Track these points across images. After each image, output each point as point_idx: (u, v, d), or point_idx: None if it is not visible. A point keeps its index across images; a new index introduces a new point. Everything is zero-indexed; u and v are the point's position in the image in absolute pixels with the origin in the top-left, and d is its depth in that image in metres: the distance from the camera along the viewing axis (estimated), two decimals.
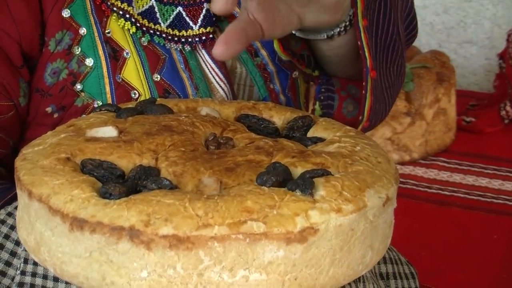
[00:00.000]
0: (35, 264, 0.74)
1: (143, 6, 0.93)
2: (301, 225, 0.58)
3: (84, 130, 0.74)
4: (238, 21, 0.75)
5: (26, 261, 0.75)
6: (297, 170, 0.66)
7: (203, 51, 0.95)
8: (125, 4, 0.92)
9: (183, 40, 0.94)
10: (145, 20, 0.93)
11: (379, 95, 0.96)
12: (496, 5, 2.78)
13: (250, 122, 0.82)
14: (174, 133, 0.72)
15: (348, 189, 0.63)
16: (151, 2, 0.93)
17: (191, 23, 0.94)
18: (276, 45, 0.96)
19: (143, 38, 0.93)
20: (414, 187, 2.12)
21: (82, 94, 0.90)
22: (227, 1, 0.68)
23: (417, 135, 2.21)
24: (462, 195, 2.07)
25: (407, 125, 2.20)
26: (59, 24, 0.89)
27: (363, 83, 0.92)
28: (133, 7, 0.92)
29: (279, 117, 0.83)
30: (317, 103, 1.01)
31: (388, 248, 0.83)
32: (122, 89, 0.91)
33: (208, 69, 0.95)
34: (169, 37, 0.94)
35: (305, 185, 0.62)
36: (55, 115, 0.91)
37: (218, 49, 0.73)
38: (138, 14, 0.92)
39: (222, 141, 0.73)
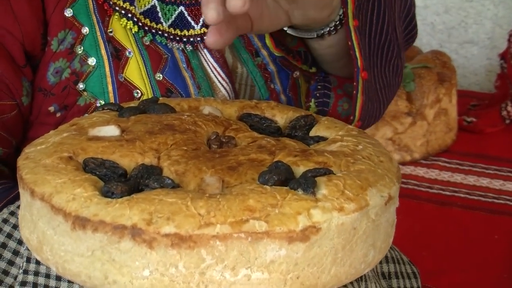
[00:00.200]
0: (38, 263, 0.74)
1: (145, 6, 0.93)
2: (303, 224, 0.58)
3: (87, 129, 0.74)
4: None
5: (28, 260, 0.75)
6: (299, 169, 0.67)
7: (205, 50, 0.95)
8: (127, 3, 0.92)
9: (185, 39, 0.94)
10: (147, 19, 0.93)
11: (372, 95, 0.96)
12: (497, 5, 2.78)
13: (253, 121, 0.82)
14: (176, 132, 0.72)
15: (350, 188, 0.63)
16: (153, 1, 0.93)
17: (192, 23, 0.95)
18: (268, 41, 0.96)
19: (145, 38, 0.93)
20: (415, 187, 2.11)
21: (85, 93, 0.90)
22: (218, 12, 0.69)
23: (418, 135, 2.21)
24: (463, 195, 2.07)
25: (408, 125, 2.19)
26: (61, 23, 0.89)
27: (354, 83, 0.92)
28: (135, 6, 0.92)
29: (282, 116, 0.83)
30: (312, 100, 1.01)
31: (390, 248, 0.83)
32: (125, 89, 0.91)
33: (210, 69, 0.95)
34: (171, 37, 0.94)
35: (307, 184, 0.62)
36: (58, 114, 0.91)
37: (211, 38, 0.74)
38: (140, 14, 0.93)
39: (224, 140, 0.74)
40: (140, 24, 0.92)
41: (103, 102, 0.90)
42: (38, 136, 0.75)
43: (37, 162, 0.67)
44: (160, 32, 0.93)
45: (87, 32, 0.90)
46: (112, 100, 0.91)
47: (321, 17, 0.89)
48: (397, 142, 2.19)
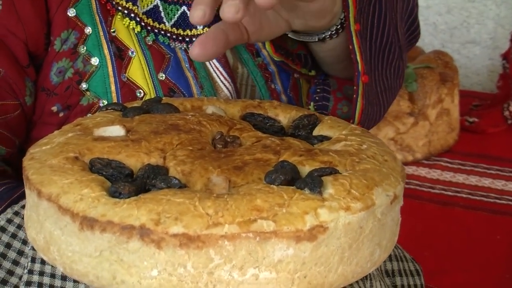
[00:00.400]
0: (43, 263, 0.74)
1: (147, 6, 0.93)
2: (310, 223, 0.58)
3: (91, 129, 0.74)
4: (221, 23, 0.76)
5: (33, 260, 0.75)
6: (305, 169, 0.67)
7: None
8: (130, 3, 0.92)
9: (187, 39, 0.94)
10: (150, 19, 0.93)
11: (372, 98, 0.96)
12: (500, 5, 2.78)
13: (256, 120, 0.82)
14: (181, 132, 0.72)
15: (356, 187, 0.63)
16: (155, 1, 0.93)
17: None
18: (268, 46, 0.96)
19: (148, 38, 0.93)
20: (417, 187, 2.12)
21: (88, 93, 0.90)
22: (205, 14, 0.68)
23: (420, 135, 2.21)
24: (465, 196, 2.07)
25: (410, 125, 2.20)
26: (64, 23, 0.89)
27: (354, 87, 0.92)
28: (138, 6, 0.92)
29: (285, 116, 0.83)
30: (312, 103, 1.01)
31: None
32: (127, 88, 0.91)
33: (213, 68, 0.95)
34: (174, 37, 0.94)
35: (313, 183, 0.62)
36: (61, 114, 0.91)
37: (194, 51, 0.73)
38: (143, 14, 0.93)
39: (229, 139, 0.73)
40: (143, 24, 0.92)
41: (106, 102, 0.90)
42: (41, 136, 0.75)
43: (43, 162, 0.67)
44: (162, 32, 0.93)
45: (90, 32, 0.90)
46: (115, 100, 0.91)
47: (321, 25, 0.89)
48: (399, 142, 2.19)
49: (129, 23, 0.92)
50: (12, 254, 0.78)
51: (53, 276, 0.74)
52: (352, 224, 0.61)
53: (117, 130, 0.72)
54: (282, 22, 0.85)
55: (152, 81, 0.92)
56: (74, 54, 0.90)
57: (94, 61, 0.91)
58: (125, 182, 0.62)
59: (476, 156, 2.26)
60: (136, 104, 0.83)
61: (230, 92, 0.96)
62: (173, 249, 0.57)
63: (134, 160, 0.67)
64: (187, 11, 0.94)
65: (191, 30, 0.95)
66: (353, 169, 0.67)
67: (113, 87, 0.91)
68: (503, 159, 2.23)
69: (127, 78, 0.91)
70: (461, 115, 2.36)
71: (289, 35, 0.94)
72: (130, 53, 0.92)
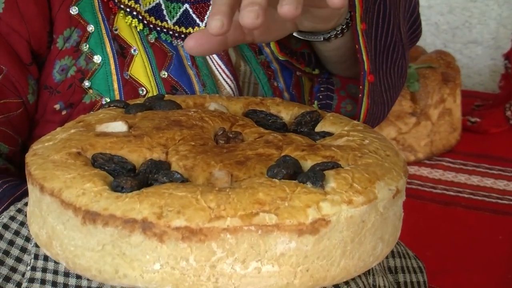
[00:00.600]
0: (46, 259, 0.74)
1: (150, 4, 0.93)
2: (312, 217, 0.58)
3: (94, 125, 0.74)
4: None
5: (36, 256, 0.75)
6: (307, 163, 0.67)
7: None
8: (132, 1, 0.92)
9: None
10: (152, 17, 0.93)
11: (377, 97, 0.96)
12: (502, 5, 2.78)
13: (258, 117, 0.82)
14: (184, 128, 0.73)
15: (358, 181, 0.63)
16: None
17: (197, 20, 0.95)
18: (273, 46, 0.96)
19: (150, 35, 0.93)
20: (419, 187, 2.12)
21: (90, 91, 0.91)
22: (223, 24, 0.68)
23: (422, 135, 2.21)
24: (467, 196, 2.07)
25: (412, 125, 2.20)
26: (67, 21, 0.90)
27: (360, 87, 0.92)
28: (140, 4, 0.92)
29: (287, 113, 0.83)
30: (315, 102, 1.01)
31: (396, 243, 0.84)
32: (130, 86, 0.91)
33: (215, 66, 0.95)
34: (176, 34, 0.94)
35: (316, 177, 0.62)
36: (63, 112, 0.91)
37: (189, 43, 0.73)
38: (145, 11, 0.93)
39: (231, 135, 0.74)
40: (145, 22, 0.93)
41: (109, 100, 0.91)
42: (44, 134, 0.75)
43: (46, 158, 0.67)
44: (165, 30, 0.94)
45: (93, 30, 0.91)
46: (117, 98, 0.91)
47: (329, 26, 0.89)
48: (401, 142, 2.19)
49: (132, 21, 0.92)
50: (15, 251, 0.78)
51: (55, 272, 0.74)
52: (354, 217, 0.61)
53: (119, 126, 0.72)
54: (290, 25, 0.85)
55: (155, 79, 0.92)
56: (77, 52, 0.90)
57: (97, 59, 0.91)
58: (127, 177, 0.62)
59: (478, 156, 2.26)
60: (139, 101, 0.83)
61: (232, 90, 0.96)
62: (175, 242, 0.57)
63: (137, 155, 0.67)
64: (189, 9, 0.94)
65: (193, 28, 0.95)
66: (355, 164, 0.67)
67: (115, 85, 0.91)
68: (505, 159, 2.23)
69: (130, 76, 0.91)
70: (463, 115, 2.36)
71: (294, 34, 0.94)
72: (133, 51, 0.92)
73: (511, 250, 1.83)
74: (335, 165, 0.66)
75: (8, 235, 0.79)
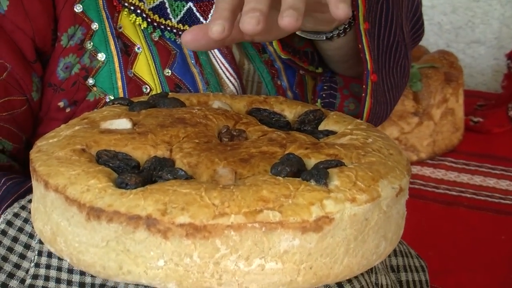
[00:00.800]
0: (49, 256, 0.75)
1: (154, 2, 0.93)
2: (316, 214, 0.58)
3: (98, 122, 0.74)
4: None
5: (40, 253, 0.75)
6: (311, 161, 0.67)
7: None
8: None
9: None
10: (156, 15, 0.93)
11: (380, 97, 0.96)
12: (505, 5, 2.78)
13: (262, 115, 0.82)
14: (188, 125, 0.73)
15: (362, 179, 0.63)
16: None
17: (201, 19, 0.95)
18: (275, 44, 0.96)
19: (154, 34, 0.93)
20: (422, 187, 2.11)
21: (94, 88, 0.91)
22: (224, 28, 0.68)
23: (424, 135, 2.21)
24: (469, 196, 2.07)
25: (414, 125, 2.19)
26: (71, 19, 0.90)
27: (363, 86, 0.93)
28: (144, 2, 0.93)
29: (290, 111, 0.83)
30: (319, 100, 1.02)
31: (399, 242, 0.84)
32: (134, 84, 0.91)
33: (219, 64, 0.96)
34: (180, 33, 0.94)
35: (319, 175, 0.62)
36: (67, 110, 0.91)
37: (186, 37, 0.73)
38: (149, 10, 0.93)
39: (235, 133, 0.74)
40: (149, 20, 0.93)
41: (113, 97, 0.91)
42: (48, 132, 0.75)
43: (50, 154, 0.67)
44: (169, 28, 0.94)
45: (97, 28, 0.91)
46: (121, 96, 0.91)
47: (330, 28, 0.89)
48: (403, 142, 2.19)
49: (136, 19, 0.92)
50: (19, 248, 0.78)
51: (59, 269, 0.74)
52: (358, 215, 0.61)
53: (123, 123, 0.73)
54: None
55: (158, 77, 0.92)
56: (81, 50, 0.91)
57: (101, 56, 0.91)
58: (131, 174, 0.62)
59: (480, 156, 2.26)
60: (143, 99, 0.83)
61: (236, 88, 0.96)
62: (179, 239, 0.57)
63: (141, 153, 0.68)
64: (193, 7, 0.95)
65: None
66: (358, 162, 0.67)
67: (119, 83, 0.91)
68: (508, 159, 2.23)
69: (134, 74, 0.92)
70: (465, 115, 2.36)
71: (296, 33, 0.94)
72: (137, 49, 0.92)
73: None
74: (338, 163, 0.66)
75: (12, 232, 0.79)
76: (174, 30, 0.94)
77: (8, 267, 0.77)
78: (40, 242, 0.75)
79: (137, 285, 0.66)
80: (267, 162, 0.66)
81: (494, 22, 2.81)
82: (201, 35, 0.74)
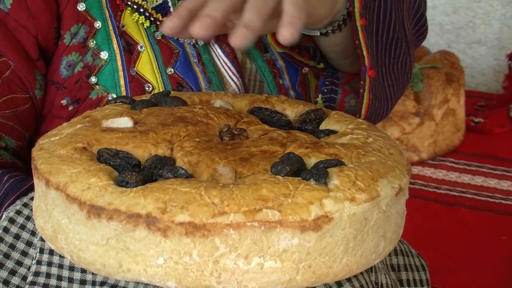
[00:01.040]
0: (51, 253, 0.75)
1: (157, 1, 0.94)
2: (315, 213, 0.59)
3: (100, 121, 0.75)
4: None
5: (41, 250, 0.75)
6: (311, 161, 0.67)
7: (216, 45, 0.96)
8: None
9: None
10: (159, 14, 0.93)
11: (379, 93, 0.96)
12: (506, 5, 2.78)
13: (263, 114, 0.82)
14: (189, 124, 0.73)
15: (361, 179, 0.63)
16: None
17: None
18: (269, 38, 0.96)
19: (156, 32, 0.94)
20: (423, 187, 2.11)
21: (97, 87, 0.91)
22: (175, 26, 0.70)
23: (425, 136, 2.21)
24: (470, 196, 2.06)
25: (416, 126, 2.19)
26: (74, 17, 0.90)
27: (362, 82, 0.93)
28: (147, 1, 0.93)
29: (292, 110, 0.84)
30: (320, 95, 1.02)
31: (399, 241, 0.84)
32: (136, 82, 0.92)
33: (221, 63, 0.96)
34: None
35: (319, 174, 0.62)
36: (70, 108, 0.92)
37: (166, 24, 0.73)
38: (152, 8, 0.93)
39: (236, 132, 0.74)
40: (152, 18, 0.93)
41: (115, 96, 0.91)
42: (50, 129, 0.76)
43: (52, 152, 0.68)
44: None
45: (100, 26, 0.91)
46: (123, 94, 0.91)
47: (321, 26, 0.89)
48: (404, 142, 2.19)
49: (138, 18, 0.93)
50: (20, 245, 0.78)
51: (61, 266, 0.75)
52: (357, 215, 0.61)
53: (125, 122, 0.73)
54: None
55: (161, 75, 0.93)
56: (84, 48, 0.91)
57: (104, 55, 0.91)
58: (132, 172, 0.62)
59: (481, 157, 2.25)
60: (145, 97, 0.84)
61: (238, 87, 0.96)
62: (179, 237, 0.57)
63: (142, 151, 0.68)
64: None
65: None
66: (358, 161, 0.67)
67: (122, 81, 0.91)
68: (509, 160, 2.23)
69: (136, 72, 0.92)
70: (466, 115, 2.36)
71: None
72: (139, 48, 0.93)
73: None
74: (338, 163, 0.66)
75: (14, 229, 0.79)
76: None
77: (10, 264, 0.77)
78: (42, 239, 0.75)
79: (137, 283, 0.67)
80: (267, 161, 0.66)
81: (495, 22, 2.81)
82: (179, 23, 0.73)
